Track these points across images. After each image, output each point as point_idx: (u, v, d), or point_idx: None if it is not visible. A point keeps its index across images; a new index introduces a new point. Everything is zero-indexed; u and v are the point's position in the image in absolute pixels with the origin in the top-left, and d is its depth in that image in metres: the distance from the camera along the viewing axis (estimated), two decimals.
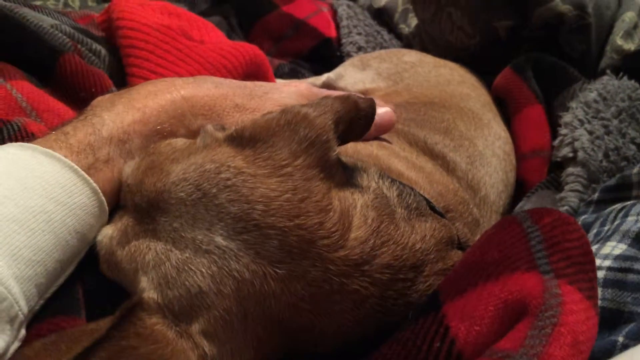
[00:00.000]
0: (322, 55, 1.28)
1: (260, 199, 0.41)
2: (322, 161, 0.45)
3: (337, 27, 1.35)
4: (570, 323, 0.37)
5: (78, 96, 0.70)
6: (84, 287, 0.48)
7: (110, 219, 0.50)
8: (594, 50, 0.96)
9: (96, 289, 0.48)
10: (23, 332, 0.42)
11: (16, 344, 0.41)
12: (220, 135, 0.47)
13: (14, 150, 0.46)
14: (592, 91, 0.81)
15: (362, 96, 0.52)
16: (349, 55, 1.25)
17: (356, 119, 0.49)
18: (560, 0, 0.93)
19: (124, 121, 0.52)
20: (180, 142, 0.50)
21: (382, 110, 0.65)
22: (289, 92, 0.64)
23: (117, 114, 0.52)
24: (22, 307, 0.41)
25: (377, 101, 0.58)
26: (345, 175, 0.49)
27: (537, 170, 0.82)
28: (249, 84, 0.64)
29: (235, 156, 0.44)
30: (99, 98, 0.56)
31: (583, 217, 0.68)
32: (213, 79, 0.62)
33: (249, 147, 0.44)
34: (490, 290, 0.41)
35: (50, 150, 0.46)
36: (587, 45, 0.96)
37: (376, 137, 0.67)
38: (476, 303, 0.40)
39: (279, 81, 0.68)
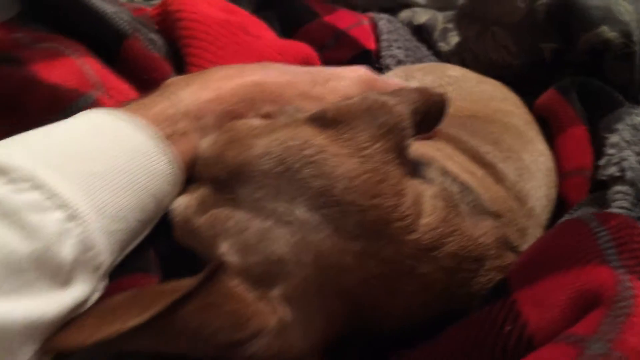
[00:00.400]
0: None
1: (341, 177, 0.43)
2: (399, 148, 0.46)
3: (377, 40, 1.36)
4: None
5: (140, 79, 0.72)
6: (156, 252, 0.49)
7: (184, 190, 0.51)
8: (637, 78, 0.97)
9: (167, 256, 0.50)
10: (103, 283, 0.44)
11: (97, 294, 0.43)
12: (301, 115, 0.48)
13: (100, 115, 0.48)
14: (638, 115, 0.82)
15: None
16: (388, 68, 1.26)
17: (430, 111, 0.50)
18: (607, 27, 0.94)
19: (200, 99, 0.54)
20: (256, 121, 0.52)
21: None
22: (351, 81, 0.66)
23: (193, 91, 0.54)
24: (106, 258, 0.42)
25: None
26: (412, 167, 0.50)
27: (578, 189, 0.83)
28: (312, 69, 0.66)
29: (317, 135, 0.45)
30: (173, 78, 0.59)
31: None
32: (278, 65, 0.64)
33: (330, 128, 0.46)
34: (562, 281, 0.41)
35: (133, 117, 0.48)
36: (630, 73, 0.97)
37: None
38: (548, 291, 0.41)
39: (337, 67, 0.69)
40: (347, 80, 0.66)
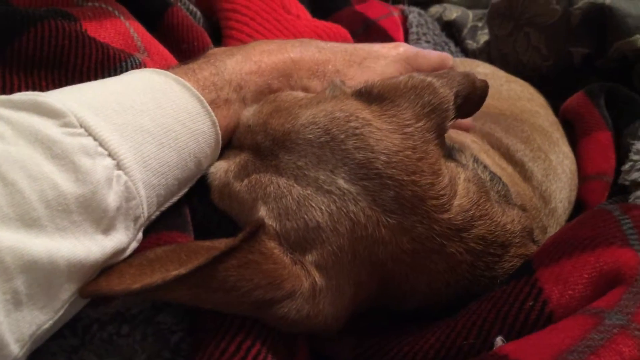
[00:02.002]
0: None
1: (384, 151, 0.44)
2: (439, 128, 0.47)
3: (406, 33, 1.37)
4: None
5: (180, 47, 0.74)
6: (192, 214, 0.51)
7: (221, 156, 0.53)
8: None
9: (204, 215, 0.51)
10: (141, 234, 0.45)
11: (134, 244, 0.44)
12: (348, 89, 0.50)
13: (149, 74, 0.50)
14: None
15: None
16: None
17: (471, 96, 0.52)
18: None
19: (243, 69, 0.55)
20: (300, 93, 0.54)
21: None
22: (388, 59, 0.67)
23: (237, 62, 0.56)
24: (145, 210, 0.44)
25: None
26: (448, 150, 0.52)
27: (598, 193, 0.84)
28: (349, 47, 0.66)
29: (363, 109, 0.47)
30: (216, 49, 0.60)
31: None
32: (317, 42, 0.65)
33: (375, 103, 0.47)
34: (585, 260, 0.43)
35: (181, 79, 0.50)
36: None
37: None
38: (571, 270, 0.43)
39: (376, 43, 0.70)
40: (385, 59, 0.67)
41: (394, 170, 0.44)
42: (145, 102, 0.46)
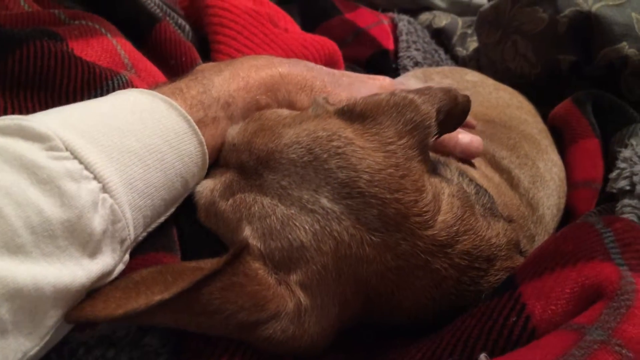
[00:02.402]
0: (378, 65, 1.31)
1: (366, 169, 0.44)
2: (422, 145, 0.48)
3: (396, 40, 1.38)
4: None
5: (168, 63, 0.74)
6: (179, 233, 0.51)
7: (208, 174, 0.53)
8: None
9: (189, 235, 0.51)
10: (127, 256, 0.45)
11: (121, 266, 0.44)
12: (331, 107, 0.50)
13: (136, 94, 0.50)
14: None
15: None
16: (405, 69, 1.27)
17: (453, 112, 0.52)
18: (627, 43, 0.96)
19: (231, 86, 0.56)
20: (285, 111, 0.54)
21: (474, 139, 0.68)
22: (372, 88, 0.67)
23: (225, 79, 0.56)
24: (131, 232, 0.44)
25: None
26: (432, 165, 0.52)
27: (587, 201, 0.84)
28: (336, 72, 0.67)
29: (346, 128, 0.47)
30: (205, 65, 0.60)
31: None
32: (305, 62, 0.66)
33: (358, 122, 0.47)
34: (567, 275, 0.43)
35: (168, 99, 0.50)
36: None
37: None
38: (553, 285, 0.43)
39: (361, 74, 0.71)
40: (369, 87, 0.68)
41: (376, 189, 0.44)
42: (132, 123, 0.46)
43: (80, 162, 0.41)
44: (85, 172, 0.41)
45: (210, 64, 0.61)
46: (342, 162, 0.45)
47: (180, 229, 0.52)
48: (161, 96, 0.50)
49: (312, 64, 0.66)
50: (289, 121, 0.50)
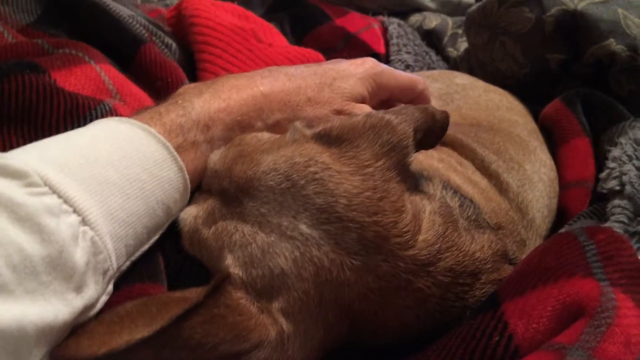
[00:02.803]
0: None
1: (344, 194, 0.45)
2: (400, 165, 0.48)
3: (387, 44, 1.38)
4: (624, 325, 0.39)
5: (154, 85, 0.75)
6: (164, 261, 0.51)
7: (191, 201, 0.54)
8: None
9: (175, 263, 0.52)
10: (111, 287, 0.46)
11: (105, 297, 0.45)
12: (308, 132, 0.50)
13: (114, 124, 0.50)
14: None
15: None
16: None
17: (432, 129, 0.52)
18: (615, 40, 0.95)
19: (211, 108, 0.56)
20: (265, 135, 0.54)
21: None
22: (356, 77, 0.67)
23: (205, 100, 0.57)
24: (113, 262, 0.45)
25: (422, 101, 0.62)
26: (414, 181, 0.52)
27: (579, 200, 0.84)
28: (319, 69, 0.67)
29: (322, 152, 0.47)
30: (186, 86, 0.61)
31: None
32: (287, 70, 0.65)
33: (335, 146, 0.48)
34: (548, 292, 0.43)
35: (146, 126, 0.50)
36: (635, 85, 0.98)
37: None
38: (535, 303, 0.43)
39: (343, 61, 0.70)
40: (353, 77, 0.67)
41: (354, 213, 0.44)
42: (111, 153, 0.47)
43: (59, 197, 0.41)
44: (65, 206, 0.41)
45: (192, 85, 0.61)
46: (319, 188, 0.45)
47: (166, 257, 0.52)
48: (139, 124, 0.50)
49: (293, 70, 0.65)
50: (267, 147, 0.50)
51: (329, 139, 0.48)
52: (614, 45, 0.95)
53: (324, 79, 0.65)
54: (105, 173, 0.45)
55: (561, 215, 0.85)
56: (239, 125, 0.58)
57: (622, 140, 0.83)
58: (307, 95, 0.63)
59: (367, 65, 0.70)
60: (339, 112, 0.63)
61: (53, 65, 0.63)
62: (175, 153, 0.51)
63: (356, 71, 0.68)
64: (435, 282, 0.47)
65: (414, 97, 0.72)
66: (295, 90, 0.63)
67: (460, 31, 1.39)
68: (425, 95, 0.74)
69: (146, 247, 0.50)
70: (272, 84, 0.62)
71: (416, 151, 0.50)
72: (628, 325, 0.39)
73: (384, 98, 0.71)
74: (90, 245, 0.42)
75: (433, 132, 0.53)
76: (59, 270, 0.39)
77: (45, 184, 0.41)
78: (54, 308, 0.39)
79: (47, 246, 0.39)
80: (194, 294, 0.44)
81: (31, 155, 0.43)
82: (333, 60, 0.71)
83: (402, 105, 0.53)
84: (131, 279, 0.48)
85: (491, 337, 0.43)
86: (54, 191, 0.41)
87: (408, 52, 1.33)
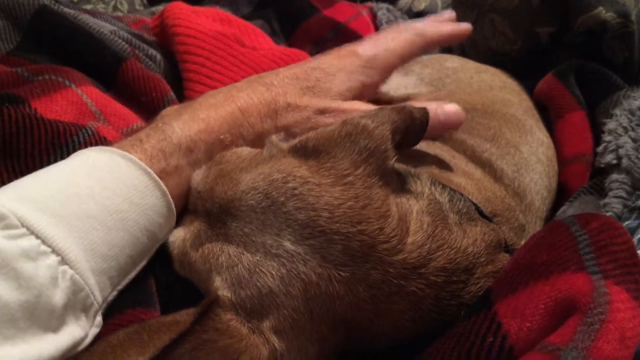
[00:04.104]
0: None
1: (325, 207, 0.44)
2: (381, 169, 0.47)
3: (377, 30, 1.36)
4: (617, 320, 0.39)
5: (139, 101, 0.74)
6: (156, 283, 0.51)
7: (179, 222, 0.53)
8: (636, 57, 0.97)
9: (167, 285, 0.52)
10: (99, 319, 0.46)
11: (94, 330, 0.45)
12: (284, 146, 0.50)
13: (94, 154, 0.50)
14: (636, 99, 0.82)
15: (417, 106, 0.54)
16: None
17: (411, 128, 0.52)
18: (604, 8, 0.94)
19: (191, 130, 0.56)
20: (245, 150, 0.54)
21: (449, 109, 0.67)
22: (344, 74, 0.66)
23: (185, 122, 0.56)
24: (97, 297, 0.45)
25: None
26: (400, 181, 0.52)
27: (579, 176, 0.83)
28: (300, 72, 0.65)
29: (300, 166, 0.47)
30: (167, 109, 0.61)
31: (626, 222, 0.69)
32: (264, 80, 0.64)
33: (312, 158, 0.47)
34: (540, 289, 0.43)
35: (127, 153, 0.50)
36: (629, 52, 0.96)
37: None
38: (527, 301, 0.43)
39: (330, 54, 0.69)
40: (341, 72, 0.66)
41: (338, 225, 0.44)
42: (90, 186, 0.47)
43: (37, 237, 0.41)
44: (43, 247, 0.41)
45: (173, 107, 0.60)
46: (300, 203, 0.45)
47: (158, 279, 0.52)
48: (119, 152, 0.50)
49: (272, 79, 0.64)
50: (245, 165, 0.50)
51: (305, 151, 0.48)
52: (604, 13, 0.94)
53: (307, 83, 0.64)
54: (85, 207, 0.45)
55: (562, 193, 0.84)
56: (221, 144, 0.57)
57: (617, 111, 0.82)
58: (286, 102, 0.62)
59: (358, 51, 0.68)
60: (322, 112, 0.62)
61: (33, 93, 0.62)
62: (156, 178, 0.50)
63: (343, 64, 0.67)
64: (429, 283, 0.47)
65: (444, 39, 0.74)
66: (274, 99, 0.62)
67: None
68: (453, 31, 0.75)
69: (133, 274, 0.50)
70: (250, 96, 0.61)
71: (396, 154, 0.49)
72: (622, 319, 0.39)
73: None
74: (70, 285, 0.42)
75: (413, 131, 0.52)
76: (37, 314, 0.40)
77: (23, 225, 0.41)
78: (36, 350, 0.39)
79: (25, 292, 0.39)
80: (185, 316, 0.44)
81: (8, 196, 0.44)
82: (319, 55, 0.70)
83: (378, 107, 0.52)
84: (121, 306, 0.48)
85: (485, 339, 0.43)
86: (31, 232, 0.41)
87: None
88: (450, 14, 0.84)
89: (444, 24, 0.79)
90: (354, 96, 0.66)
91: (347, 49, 0.70)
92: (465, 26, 0.80)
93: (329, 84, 0.65)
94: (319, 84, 0.64)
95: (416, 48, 0.72)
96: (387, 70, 0.69)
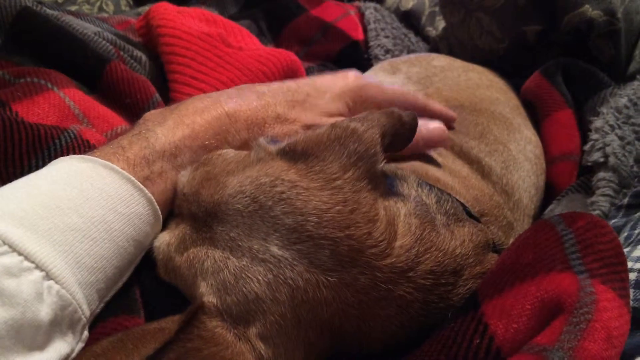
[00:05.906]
0: (350, 58, 1.29)
1: (313, 211, 0.44)
2: (370, 173, 0.47)
3: (365, 30, 1.36)
4: (604, 319, 0.38)
5: (123, 102, 0.73)
6: (141, 289, 0.51)
7: (164, 226, 0.53)
8: (623, 55, 0.97)
9: (152, 290, 0.51)
10: (86, 333, 0.45)
11: (80, 345, 0.44)
12: (272, 149, 0.49)
13: (75, 163, 0.49)
14: (622, 97, 0.82)
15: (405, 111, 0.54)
16: (376, 58, 1.26)
17: (400, 132, 0.51)
18: (590, 6, 0.94)
19: (175, 136, 0.54)
20: (230, 153, 0.53)
21: (433, 126, 0.67)
22: (333, 94, 0.66)
23: (169, 128, 0.55)
24: (85, 311, 0.43)
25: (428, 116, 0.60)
26: (387, 183, 0.51)
27: (566, 174, 0.83)
28: (292, 86, 0.65)
29: (288, 170, 0.46)
30: (151, 112, 0.59)
31: (613, 221, 0.69)
32: (256, 88, 0.64)
33: (301, 161, 0.46)
34: (527, 290, 0.43)
35: (109, 163, 0.49)
36: (616, 49, 0.97)
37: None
38: (513, 302, 0.42)
39: (324, 75, 0.69)
40: (330, 93, 0.66)
41: (326, 229, 0.43)
42: (72, 198, 0.45)
43: (20, 254, 0.40)
44: (26, 264, 0.40)
45: (157, 111, 0.59)
46: (288, 208, 0.44)
47: (142, 285, 0.51)
48: (101, 161, 0.49)
49: (264, 88, 0.64)
50: (232, 167, 0.49)
51: (294, 154, 0.47)
52: (590, 11, 0.94)
53: (297, 96, 0.64)
54: (68, 220, 0.44)
55: (549, 191, 0.85)
56: (206, 150, 0.56)
57: (604, 109, 0.82)
58: (276, 112, 0.61)
59: (348, 79, 0.69)
60: (308, 128, 0.62)
61: (14, 96, 0.61)
62: (141, 186, 0.49)
63: (334, 86, 0.67)
64: (417, 287, 0.46)
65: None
66: (264, 107, 0.61)
67: (437, 9, 1.37)
68: (432, 109, 0.73)
69: (120, 284, 0.49)
70: (239, 103, 0.60)
71: (385, 157, 0.49)
72: (608, 318, 0.38)
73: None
74: (57, 300, 0.41)
75: (401, 135, 0.52)
76: (22, 331, 0.39)
77: (4, 242, 0.40)
78: None
79: (9, 310, 0.38)
80: (170, 324, 0.43)
81: None
82: (315, 76, 0.70)
83: (367, 111, 0.52)
84: (105, 314, 0.47)
85: (472, 340, 0.42)
86: (13, 249, 0.40)
87: (386, 36, 1.31)
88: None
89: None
90: (339, 116, 0.66)
91: (340, 73, 0.70)
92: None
93: (317, 101, 0.64)
94: (308, 99, 0.64)
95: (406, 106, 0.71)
96: (370, 102, 0.69)
